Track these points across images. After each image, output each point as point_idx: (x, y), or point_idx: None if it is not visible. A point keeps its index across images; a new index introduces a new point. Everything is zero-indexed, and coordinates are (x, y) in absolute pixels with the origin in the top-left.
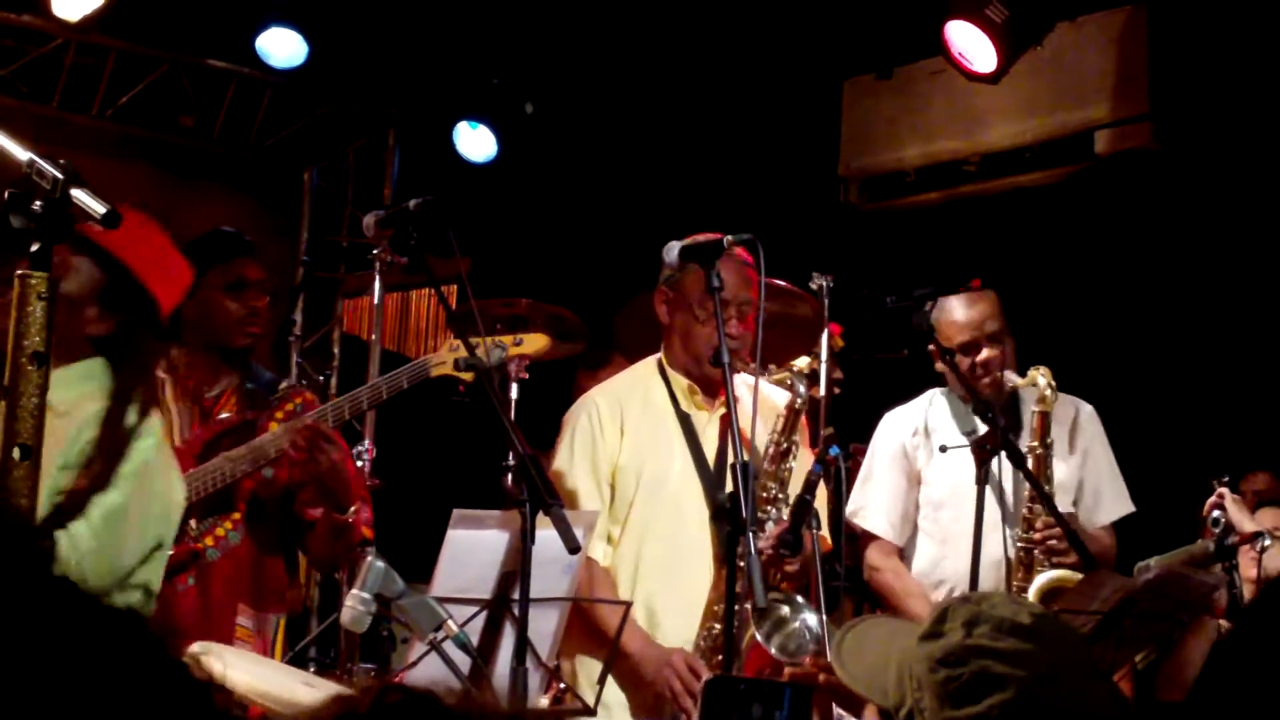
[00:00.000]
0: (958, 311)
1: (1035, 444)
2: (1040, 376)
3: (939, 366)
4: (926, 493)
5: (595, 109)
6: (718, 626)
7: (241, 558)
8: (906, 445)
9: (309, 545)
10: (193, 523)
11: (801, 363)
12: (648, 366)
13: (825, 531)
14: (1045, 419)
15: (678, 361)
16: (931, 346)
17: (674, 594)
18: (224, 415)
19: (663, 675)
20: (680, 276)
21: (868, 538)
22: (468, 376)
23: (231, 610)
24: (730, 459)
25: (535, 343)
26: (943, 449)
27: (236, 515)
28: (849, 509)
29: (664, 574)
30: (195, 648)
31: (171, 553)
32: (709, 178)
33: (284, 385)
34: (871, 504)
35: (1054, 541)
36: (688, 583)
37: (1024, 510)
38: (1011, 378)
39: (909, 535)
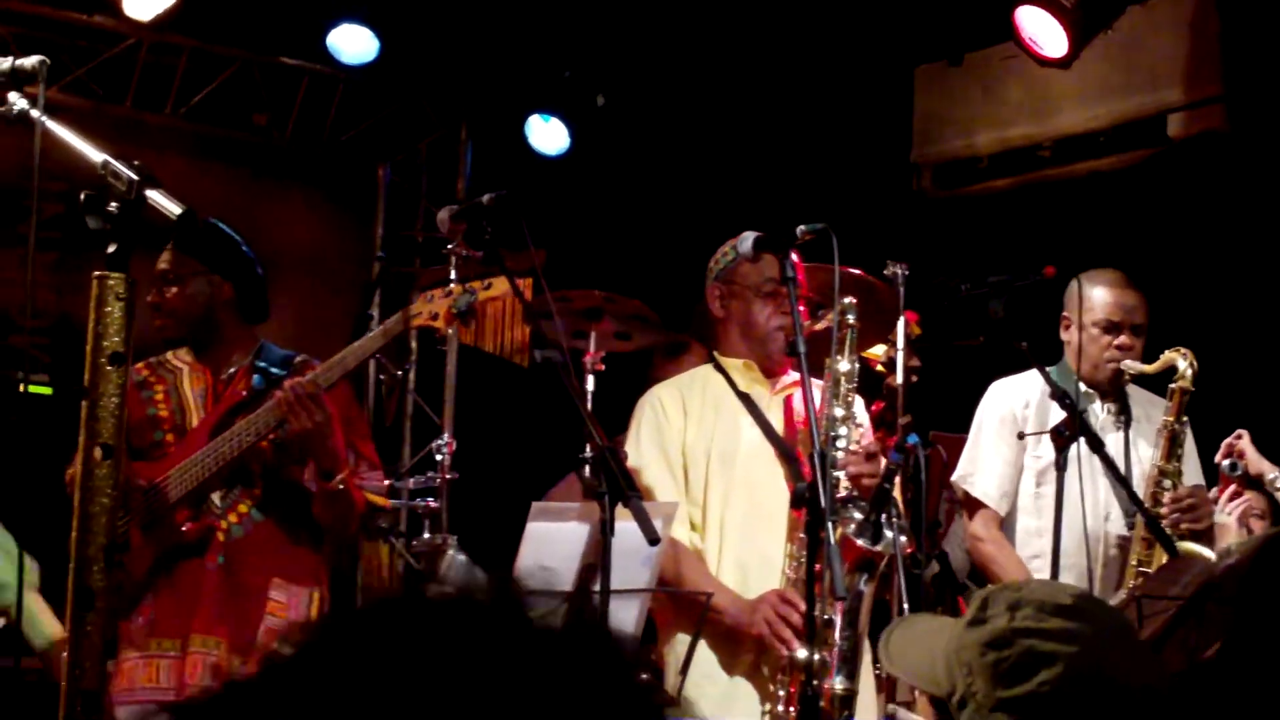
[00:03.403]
0: (1112, 291)
1: (1171, 419)
2: (1180, 358)
3: (1065, 336)
4: (1031, 465)
5: (667, 100)
6: (792, 575)
7: (267, 533)
8: (1017, 415)
9: (316, 514)
10: (215, 498)
11: (877, 351)
12: (702, 367)
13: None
14: (1184, 396)
15: (735, 350)
16: (1065, 314)
17: (760, 555)
18: (241, 391)
19: (758, 616)
20: (732, 269)
21: (971, 505)
22: (440, 324)
23: (262, 585)
24: (805, 445)
25: (500, 285)
26: (1020, 436)
27: (257, 491)
28: (956, 474)
29: (748, 539)
30: None
31: (189, 529)
32: (781, 167)
33: (298, 359)
34: (981, 470)
35: (1177, 515)
36: (772, 545)
37: (1151, 487)
38: (1136, 365)
39: (1010, 506)
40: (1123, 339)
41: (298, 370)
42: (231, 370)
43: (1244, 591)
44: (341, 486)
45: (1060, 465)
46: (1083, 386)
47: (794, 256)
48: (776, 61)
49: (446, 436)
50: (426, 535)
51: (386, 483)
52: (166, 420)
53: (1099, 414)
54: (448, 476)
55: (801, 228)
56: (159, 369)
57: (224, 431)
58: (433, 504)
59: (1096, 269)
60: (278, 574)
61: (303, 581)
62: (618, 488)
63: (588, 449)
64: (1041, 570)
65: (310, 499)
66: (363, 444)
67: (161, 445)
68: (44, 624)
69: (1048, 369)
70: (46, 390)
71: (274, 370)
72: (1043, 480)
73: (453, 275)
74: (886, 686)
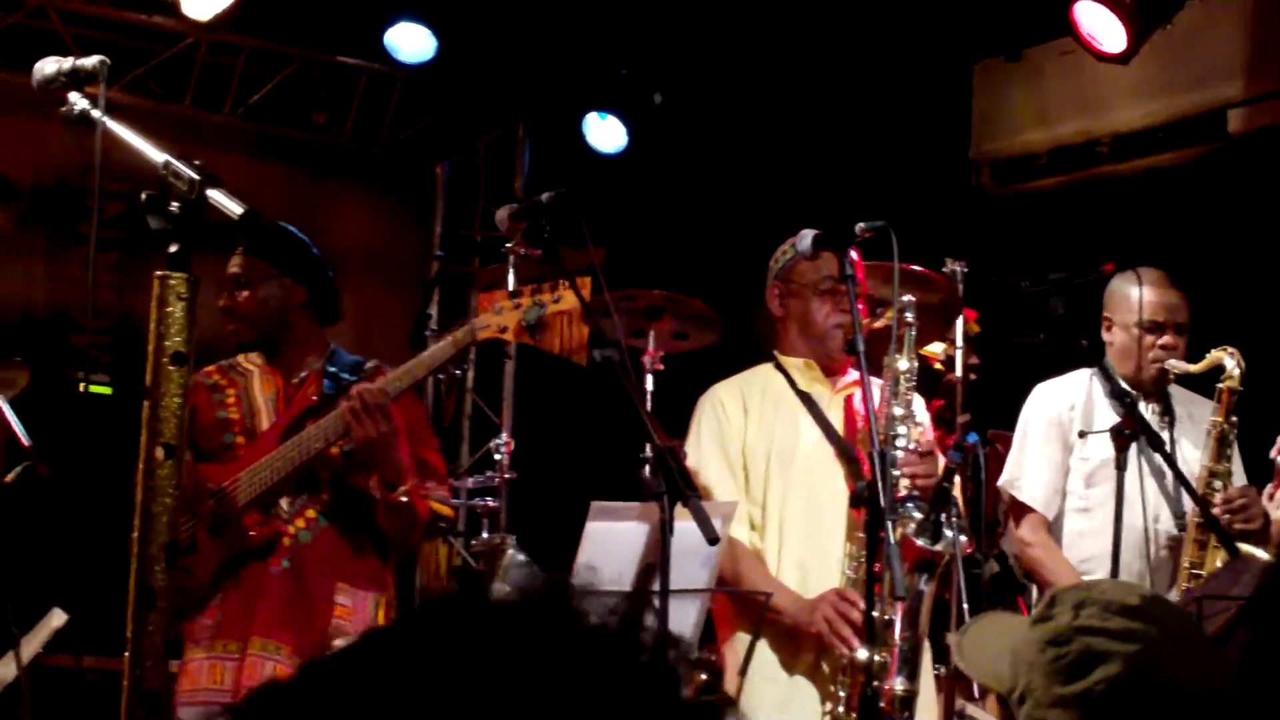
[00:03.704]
0: (1154, 290)
1: (1220, 419)
2: (1228, 357)
3: (1107, 337)
4: (1079, 468)
5: (725, 98)
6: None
7: (334, 538)
8: (1063, 417)
9: (378, 523)
10: (283, 504)
11: (937, 348)
12: (763, 366)
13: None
14: (1233, 396)
15: (795, 350)
16: (1106, 314)
17: (820, 555)
18: (311, 396)
19: (817, 615)
20: (791, 267)
21: (1019, 510)
22: (509, 337)
23: (328, 590)
24: (865, 444)
25: (568, 298)
26: (1081, 435)
27: (324, 497)
28: (1003, 479)
29: (808, 537)
30: None
31: (257, 533)
32: (840, 164)
33: (369, 365)
34: (1028, 474)
35: (1229, 516)
36: (832, 544)
37: (1201, 488)
38: (1181, 364)
39: (1058, 509)
40: (1167, 338)
41: (368, 376)
42: (303, 374)
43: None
44: (405, 498)
45: (1121, 465)
46: (1125, 387)
47: (853, 254)
48: (835, 58)
49: (505, 436)
50: (485, 535)
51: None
52: (237, 423)
53: (1143, 414)
54: (506, 476)
55: (861, 225)
56: (230, 372)
57: (294, 436)
58: (491, 503)
59: (1136, 268)
60: (343, 579)
61: (368, 587)
62: (677, 487)
63: (647, 448)
64: (1094, 574)
65: (371, 505)
66: (429, 453)
67: (231, 448)
68: None
69: (1089, 370)
70: (106, 390)
71: (345, 376)
72: (1092, 482)
73: (511, 274)
74: (946, 687)
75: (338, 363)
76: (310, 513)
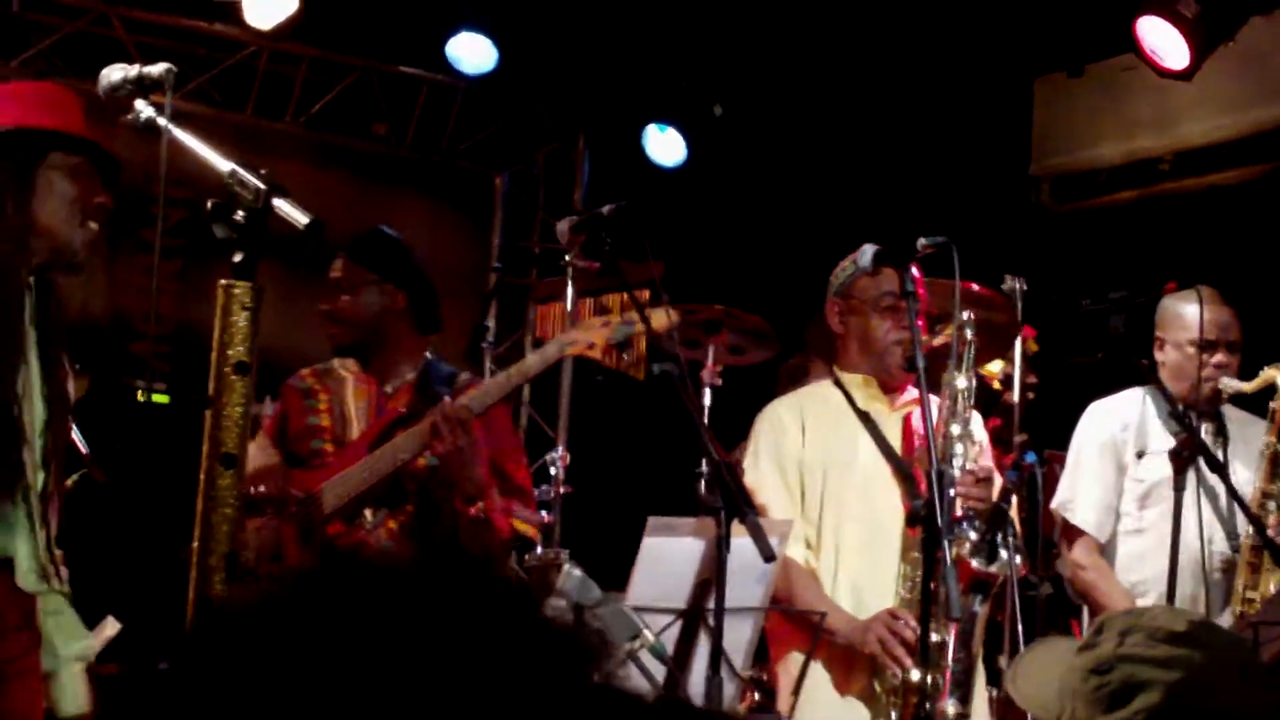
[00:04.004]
0: (1207, 308)
1: (1273, 439)
2: None
3: (1160, 356)
4: (1133, 489)
5: (785, 111)
6: (906, 594)
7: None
8: (1117, 438)
9: (460, 540)
10: (368, 513)
11: (995, 367)
12: (822, 382)
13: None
14: None
15: (854, 366)
16: (1158, 334)
17: (876, 574)
18: (400, 408)
19: (871, 635)
20: (851, 283)
21: (1071, 533)
22: (598, 355)
23: None
24: (923, 462)
25: (658, 319)
26: (1140, 455)
27: (409, 508)
28: (1056, 501)
29: (863, 557)
30: None
31: (340, 542)
32: (900, 179)
33: (461, 377)
34: (1080, 496)
35: None
36: (887, 564)
37: (1255, 510)
38: (1234, 383)
39: (1110, 531)
40: (1219, 357)
41: (460, 389)
42: (396, 383)
43: None
44: (482, 515)
45: (1179, 486)
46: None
47: (914, 270)
48: (896, 73)
49: (561, 449)
50: (539, 550)
51: (541, 514)
52: (328, 430)
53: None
54: (561, 490)
55: (922, 241)
56: (325, 377)
57: (381, 447)
58: (546, 517)
59: (1188, 288)
60: None
61: None
62: (734, 503)
63: (704, 464)
64: (1147, 596)
65: (454, 520)
66: (515, 469)
67: (320, 455)
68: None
69: (1141, 390)
70: (165, 399)
71: (437, 388)
72: (1146, 503)
73: (569, 287)
74: (999, 710)
75: (432, 374)
76: (393, 524)
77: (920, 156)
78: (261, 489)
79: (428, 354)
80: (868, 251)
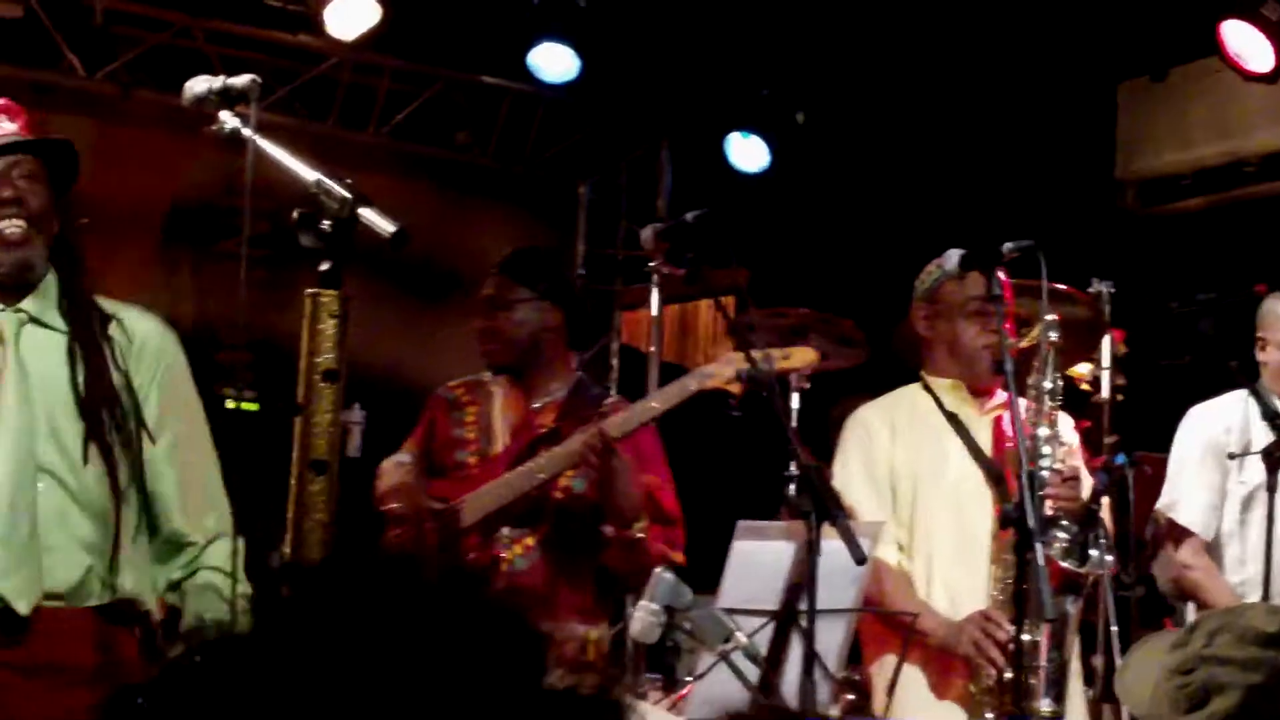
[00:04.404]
0: None
1: None
2: None
3: (1261, 357)
4: (1236, 492)
5: (868, 117)
6: (999, 596)
7: (548, 569)
8: (1219, 440)
9: (607, 561)
10: (505, 531)
11: (1083, 369)
12: (909, 387)
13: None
14: None
15: (942, 370)
16: (1260, 334)
17: (969, 577)
18: (543, 425)
19: (964, 637)
20: (937, 288)
21: (1178, 533)
22: (737, 389)
23: (537, 620)
24: (1012, 465)
25: (804, 356)
26: (1231, 456)
27: (545, 527)
28: (1161, 503)
29: (956, 560)
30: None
31: (475, 557)
32: (985, 184)
33: (608, 401)
34: (1186, 498)
35: None
36: (979, 567)
37: None
38: None
39: (1215, 532)
40: None
41: (608, 412)
42: (545, 400)
43: None
44: (639, 535)
45: (1271, 487)
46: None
47: (1000, 274)
48: (980, 78)
49: None
50: None
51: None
52: (472, 443)
53: None
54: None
55: (1008, 245)
56: (475, 390)
57: (523, 464)
58: None
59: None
60: (550, 611)
61: (579, 620)
62: (824, 507)
63: (792, 467)
64: (1249, 598)
65: (600, 542)
66: (664, 499)
67: (464, 467)
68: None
69: (1243, 392)
70: (253, 407)
71: (584, 409)
72: (1248, 506)
73: (654, 294)
74: (1094, 710)
75: (581, 393)
76: (529, 541)
77: (1005, 162)
78: (395, 506)
79: (579, 373)
80: (954, 256)
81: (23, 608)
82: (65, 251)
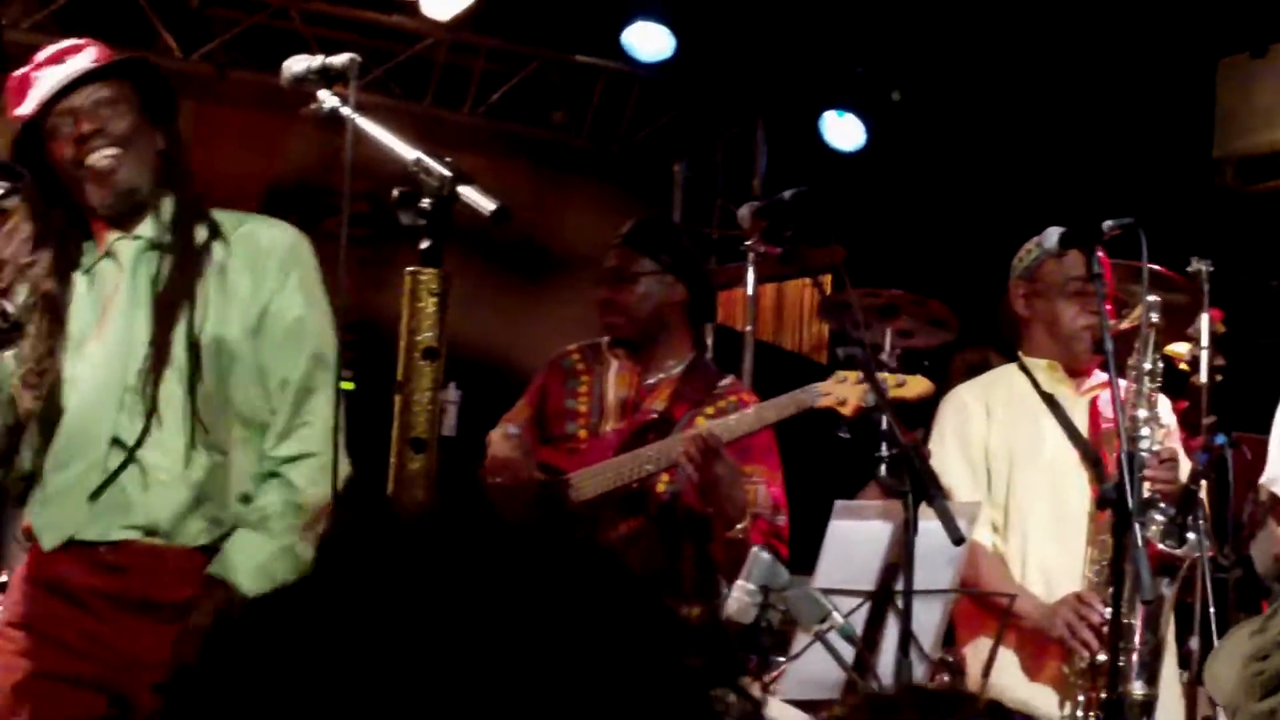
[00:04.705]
0: None
1: None
2: None
3: None
4: None
5: (963, 95)
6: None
7: (650, 549)
8: None
9: (710, 552)
10: (611, 514)
11: (1179, 348)
12: (1005, 367)
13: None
14: None
15: (1039, 350)
16: None
17: (1064, 558)
18: (653, 408)
19: (1058, 619)
20: (1036, 267)
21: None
22: (849, 411)
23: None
24: (1109, 446)
25: (918, 386)
26: None
27: (645, 518)
28: (1265, 477)
29: (1052, 541)
30: None
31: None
32: (1082, 162)
33: (724, 382)
34: None
35: None
36: (1075, 548)
37: None
38: None
39: None
40: None
41: (722, 394)
42: (660, 376)
43: None
44: (742, 535)
45: None
46: None
47: (1099, 254)
48: (1076, 55)
49: None
50: None
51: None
52: (583, 416)
53: None
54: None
55: (1108, 223)
56: (592, 359)
57: (631, 450)
58: None
59: None
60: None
61: (678, 600)
62: (921, 486)
63: (886, 448)
64: None
65: (702, 533)
66: (770, 488)
67: (572, 439)
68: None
69: None
70: (350, 385)
71: (698, 390)
72: None
73: (750, 272)
74: (1189, 694)
75: (697, 372)
76: (632, 522)
77: (1103, 140)
78: (500, 480)
79: (697, 351)
80: (1053, 234)
81: (109, 536)
82: (172, 169)
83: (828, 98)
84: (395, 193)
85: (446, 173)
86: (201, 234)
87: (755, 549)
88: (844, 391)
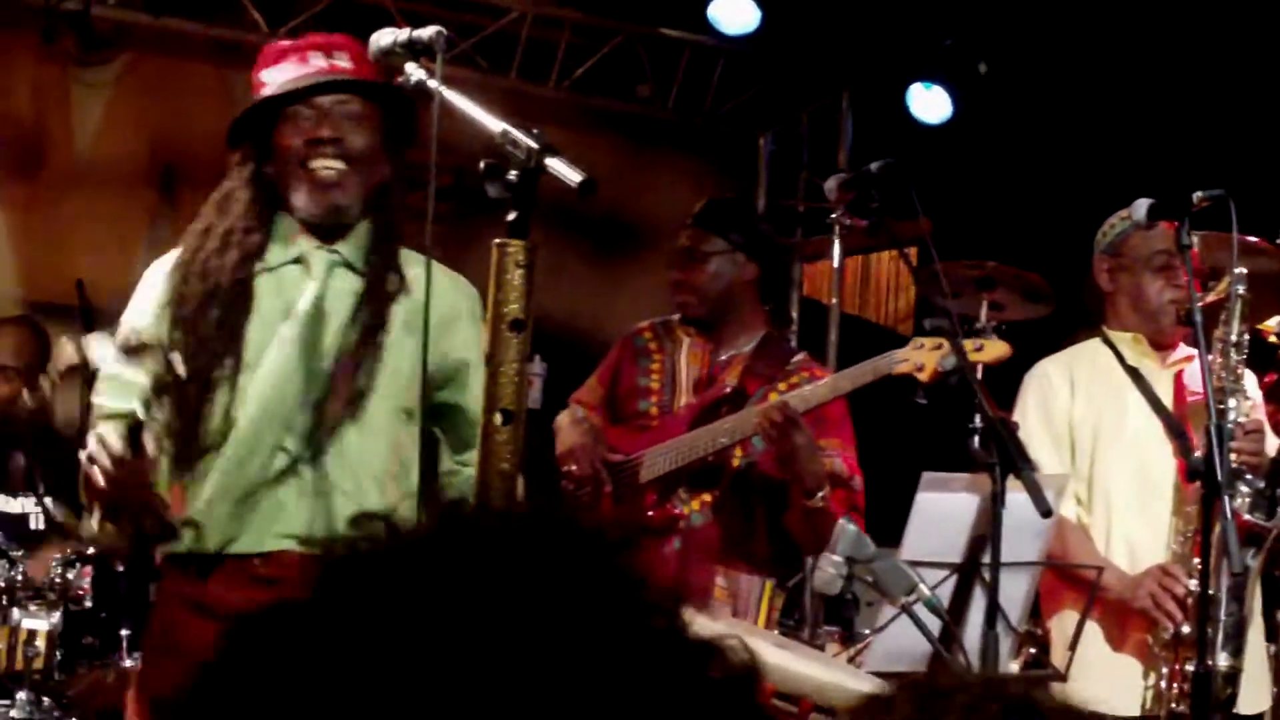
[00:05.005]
0: None
1: None
2: None
3: None
4: None
5: (1051, 66)
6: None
7: (724, 523)
8: None
9: (787, 524)
10: (682, 491)
11: (1271, 322)
12: (1089, 341)
13: None
14: None
15: (1124, 324)
16: None
17: (1149, 531)
18: (726, 383)
19: (1142, 591)
20: (1121, 241)
21: None
22: (926, 377)
23: (709, 573)
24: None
25: (995, 350)
26: None
27: (724, 485)
28: None
29: (1136, 513)
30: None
31: (654, 514)
32: (1171, 132)
33: (796, 358)
34: None
35: None
36: (1159, 520)
37: None
38: None
39: None
40: None
41: (795, 370)
42: (731, 354)
43: None
44: (822, 504)
45: None
46: None
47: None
48: (1165, 25)
49: None
50: None
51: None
52: (655, 393)
53: None
54: None
55: (1198, 194)
56: (664, 337)
57: (705, 425)
58: None
59: None
60: (726, 564)
61: (754, 571)
62: (1009, 459)
63: (975, 419)
64: None
65: (778, 504)
66: (844, 458)
67: (645, 417)
68: None
69: None
70: None
71: (770, 366)
72: None
73: (836, 245)
74: (1277, 666)
75: (768, 348)
76: (706, 496)
77: (1193, 109)
78: (572, 468)
79: (769, 328)
80: (1142, 206)
81: (263, 547)
82: (384, 201)
83: (914, 70)
84: (482, 165)
85: (533, 144)
86: (393, 264)
87: (841, 521)
88: (921, 357)
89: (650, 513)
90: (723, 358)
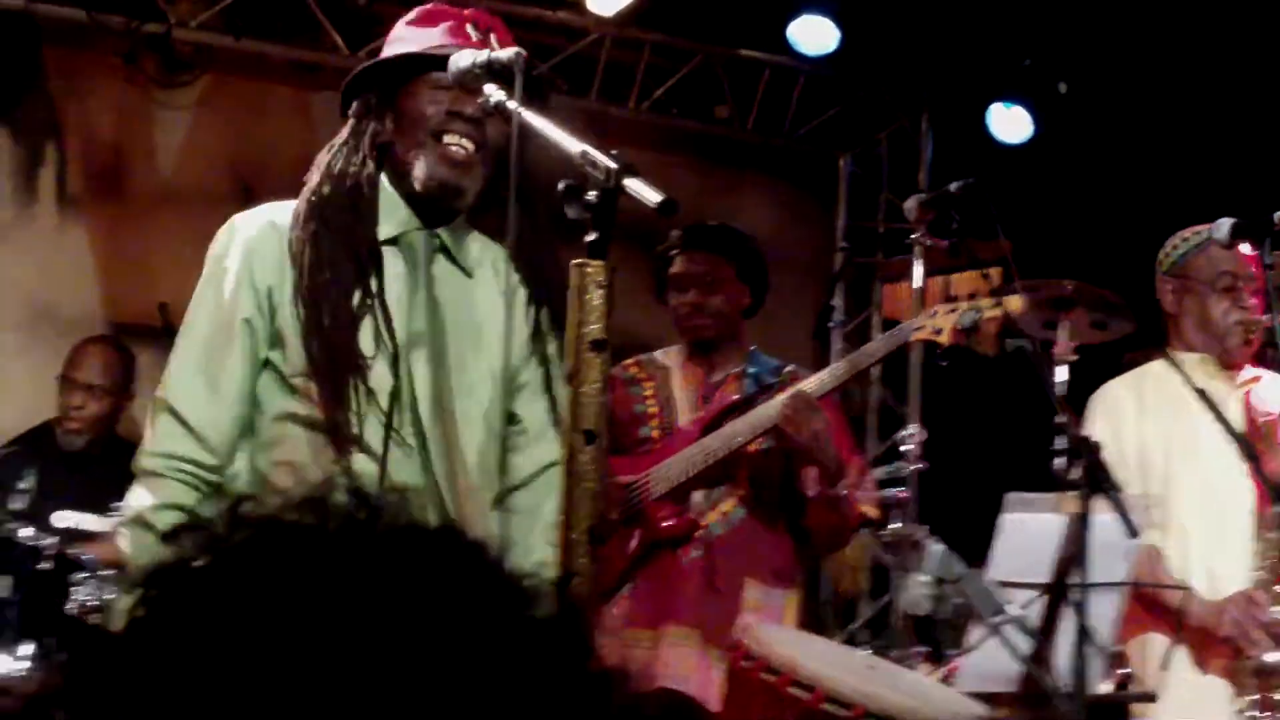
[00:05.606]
0: None
1: None
2: None
3: None
4: None
5: (1133, 86)
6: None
7: (747, 532)
8: None
9: (807, 522)
10: (699, 497)
11: None
12: (1156, 362)
13: None
14: None
15: (1190, 345)
16: None
17: (1226, 554)
18: (732, 395)
19: (1226, 618)
20: (1184, 263)
21: None
22: (944, 340)
23: (737, 584)
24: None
25: (1013, 303)
26: None
27: (740, 492)
28: None
29: (1213, 537)
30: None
31: (669, 525)
32: (1251, 152)
33: (787, 369)
34: None
35: None
36: (1237, 544)
37: None
38: None
39: None
40: None
41: (786, 381)
42: (724, 374)
43: None
44: (845, 492)
45: None
46: None
47: (1248, 247)
48: (1245, 45)
49: (917, 426)
50: (895, 525)
51: (893, 492)
52: (655, 417)
53: None
54: (916, 466)
55: (1279, 214)
56: (649, 366)
57: (715, 431)
58: (901, 494)
59: None
60: (754, 574)
61: (779, 584)
62: (1095, 479)
63: (1058, 440)
64: None
65: (797, 503)
66: (850, 453)
67: (647, 442)
68: None
69: None
70: None
71: (766, 377)
72: None
73: (917, 266)
74: None
75: (757, 364)
76: (725, 506)
77: (1273, 129)
78: None
79: (752, 345)
80: (1224, 225)
81: None
82: (490, 200)
83: (995, 89)
84: (561, 185)
85: (612, 165)
86: (492, 258)
87: (929, 541)
88: (937, 322)
89: (666, 524)
90: (716, 378)
